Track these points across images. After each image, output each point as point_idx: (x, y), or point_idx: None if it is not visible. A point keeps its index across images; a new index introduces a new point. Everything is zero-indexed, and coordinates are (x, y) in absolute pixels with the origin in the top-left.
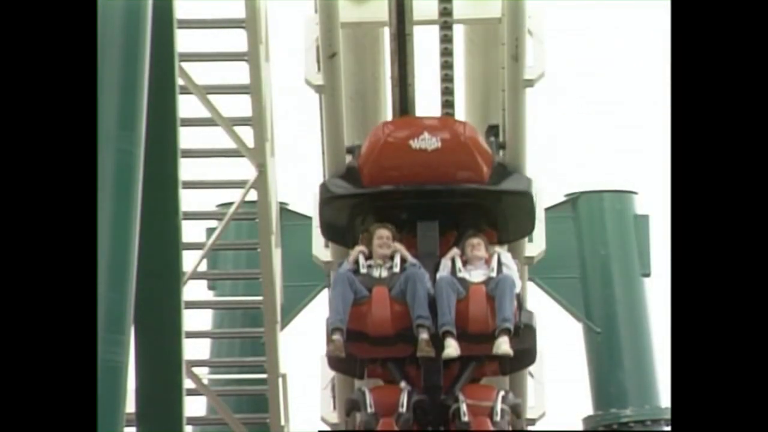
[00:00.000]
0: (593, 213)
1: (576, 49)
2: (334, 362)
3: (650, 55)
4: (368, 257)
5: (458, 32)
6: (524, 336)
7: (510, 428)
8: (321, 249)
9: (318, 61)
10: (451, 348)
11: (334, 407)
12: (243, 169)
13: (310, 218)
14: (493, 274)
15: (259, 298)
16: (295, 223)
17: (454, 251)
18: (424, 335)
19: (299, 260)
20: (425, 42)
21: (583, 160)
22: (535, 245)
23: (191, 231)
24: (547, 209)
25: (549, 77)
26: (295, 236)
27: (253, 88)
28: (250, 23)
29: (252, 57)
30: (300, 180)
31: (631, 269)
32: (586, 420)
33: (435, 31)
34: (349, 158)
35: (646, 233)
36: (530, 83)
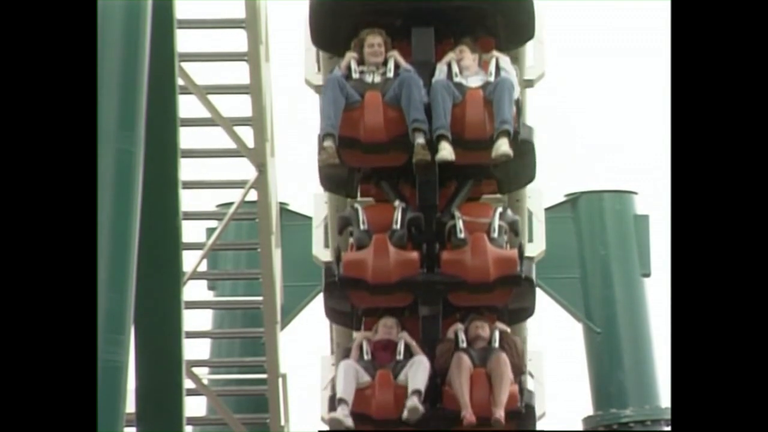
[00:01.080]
0: (593, 213)
1: (576, 50)
2: (326, 177)
3: (650, 55)
4: (361, 63)
5: None
6: (523, 151)
7: (508, 246)
8: (321, 249)
9: (318, 61)
10: (446, 151)
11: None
12: (243, 169)
13: (310, 218)
14: (491, 79)
15: (259, 298)
16: (295, 223)
17: (451, 56)
18: (420, 139)
19: (299, 260)
20: None
21: (583, 160)
22: (535, 245)
23: (191, 231)
24: (547, 209)
25: (549, 77)
26: (295, 236)
27: (253, 88)
28: (250, 23)
29: (252, 57)
30: (300, 180)
31: (631, 269)
32: (586, 420)
33: None
34: None
35: (646, 233)
36: (530, 83)
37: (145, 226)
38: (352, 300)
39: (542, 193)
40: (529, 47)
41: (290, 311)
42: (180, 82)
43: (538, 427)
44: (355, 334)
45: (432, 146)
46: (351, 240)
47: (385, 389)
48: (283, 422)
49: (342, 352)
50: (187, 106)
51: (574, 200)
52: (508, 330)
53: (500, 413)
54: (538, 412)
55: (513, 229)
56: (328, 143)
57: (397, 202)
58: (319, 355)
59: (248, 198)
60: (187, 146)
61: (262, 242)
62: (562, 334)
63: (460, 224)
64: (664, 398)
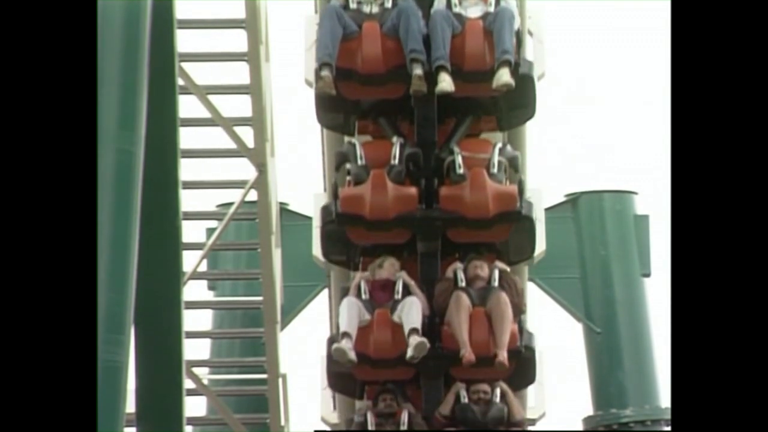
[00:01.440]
0: (593, 213)
1: (576, 49)
2: (323, 112)
3: (650, 55)
4: None
5: None
6: (522, 87)
7: (508, 182)
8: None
9: None
10: (445, 83)
11: (334, 407)
12: (243, 169)
13: (310, 218)
14: (491, 9)
15: (259, 298)
16: (295, 223)
17: None
18: (417, 70)
19: (299, 260)
20: None
21: (583, 160)
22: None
23: (191, 231)
24: (547, 209)
25: (549, 77)
26: (295, 236)
27: (253, 88)
28: (250, 23)
29: (252, 57)
30: (300, 180)
31: (631, 269)
32: (586, 420)
33: None
34: None
35: (646, 233)
36: None
37: (145, 226)
38: (349, 236)
39: (542, 193)
40: (530, 47)
41: (290, 311)
42: (180, 82)
43: (538, 427)
44: (353, 274)
45: (431, 78)
46: (348, 177)
47: (384, 328)
48: (283, 422)
49: (340, 291)
50: (187, 106)
51: (574, 200)
52: (508, 269)
53: (503, 355)
54: (538, 413)
55: (513, 165)
56: (325, 72)
57: (395, 138)
58: (318, 355)
59: (248, 198)
60: (187, 146)
61: (262, 242)
62: (562, 334)
63: (459, 159)
64: (664, 398)
